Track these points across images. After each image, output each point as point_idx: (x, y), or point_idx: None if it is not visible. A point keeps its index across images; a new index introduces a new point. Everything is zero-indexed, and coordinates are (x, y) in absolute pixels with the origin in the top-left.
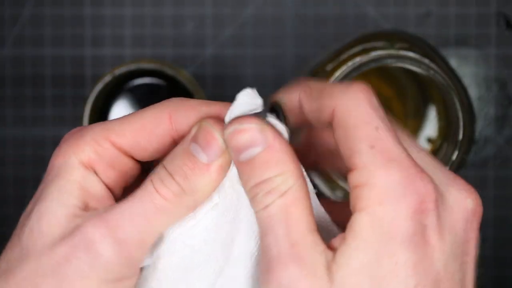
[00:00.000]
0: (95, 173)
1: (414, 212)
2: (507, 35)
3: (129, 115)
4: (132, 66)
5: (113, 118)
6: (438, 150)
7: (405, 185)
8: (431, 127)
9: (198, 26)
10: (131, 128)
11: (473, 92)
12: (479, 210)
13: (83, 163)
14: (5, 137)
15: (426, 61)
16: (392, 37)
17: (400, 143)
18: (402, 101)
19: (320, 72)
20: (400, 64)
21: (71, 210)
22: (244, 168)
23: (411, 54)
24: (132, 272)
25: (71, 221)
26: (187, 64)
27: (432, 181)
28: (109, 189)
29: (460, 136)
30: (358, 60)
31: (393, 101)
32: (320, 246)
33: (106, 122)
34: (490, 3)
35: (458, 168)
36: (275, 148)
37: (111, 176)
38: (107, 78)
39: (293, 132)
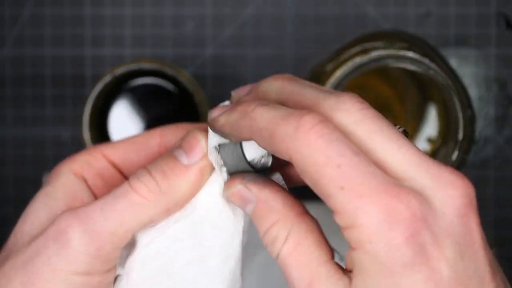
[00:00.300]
0: (84, 180)
1: (406, 239)
2: (507, 35)
3: (122, 139)
4: (132, 66)
5: (113, 118)
6: (438, 150)
7: (386, 217)
8: (431, 127)
9: (198, 26)
10: (123, 143)
11: (473, 92)
12: (471, 195)
13: (73, 171)
14: (5, 137)
15: (426, 61)
16: (392, 37)
17: (368, 168)
18: (402, 101)
19: (320, 72)
20: (400, 64)
21: (53, 211)
22: (253, 222)
23: (411, 54)
24: (104, 268)
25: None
26: (187, 64)
27: (412, 194)
28: (96, 198)
29: (460, 136)
30: (358, 60)
31: (393, 101)
32: (335, 275)
33: (103, 143)
34: (490, 3)
35: (458, 168)
36: (263, 201)
37: (99, 185)
38: (107, 78)
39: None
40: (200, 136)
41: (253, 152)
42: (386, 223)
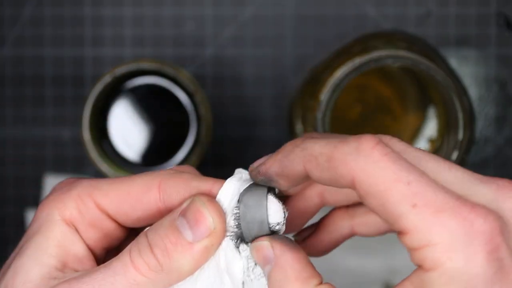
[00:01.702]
0: (77, 231)
1: (488, 253)
2: (507, 35)
3: (120, 178)
4: (132, 66)
5: (113, 118)
6: (438, 150)
7: (466, 231)
8: (431, 127)
9: (198, 26)
10: (117, 191)
11: (473, 92)
12: None
13: (65, 219)
14: (5, 137)
15: (426, 61)
16: (392, 37)
17: (435, 184)
18: (402, 101)
19: (320, 72)
20: (400, 64)
21: (46, 270)
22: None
23: (411, 54)
24: None
25: (46, 283)
26: (187, 64)
27: (485, 209)
28: (90, 249)
29: (460, 136)
30: (358, 60)
31: (393, 101)
32: None
33: (95, 180)
34: (490, 3)
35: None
36: (281, 265)
37: (93, 236)
38: (107, 78)
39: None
40: (206, 211)
41: (276, 216)
42: (464, 236)
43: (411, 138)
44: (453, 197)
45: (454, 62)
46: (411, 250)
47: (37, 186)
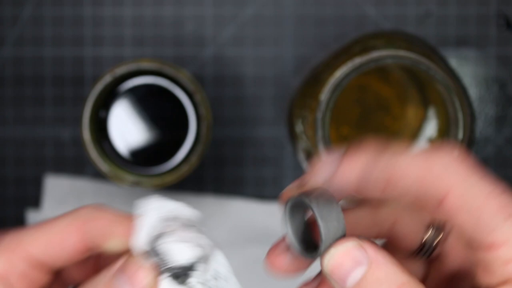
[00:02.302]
0: (10, 284)
1: None
2: (507, 35)
3: (45, 222)
4: (132, 66)
5: (113, 118)
6: None
7: None
8: (431, 127)
9: (198, 26)
10: (42, 237)
11: (473, 92)
12: None
13: None
14: (5, 137)
15: (426, 61)
16: (392, 37)
17: None
18: (402, 101)
19: (320, 72)
20: (400, 64)
21: None
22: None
23: (411, 54)
24: None
25: None
26: (187, 64)
27: None
28: None
29: (460, 136)
30: (358, 60)
31: (393, 101)
32: None
33: (22, 229)
34: (490, 3)
35: None
36: (380, 262)
37: (27, 286)
38: (107, 78)
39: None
40: (143, 273)
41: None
42: None
43: (411, 138)
44: None
45: (454, 62)
46: (502, 265)
47: (37, 186)
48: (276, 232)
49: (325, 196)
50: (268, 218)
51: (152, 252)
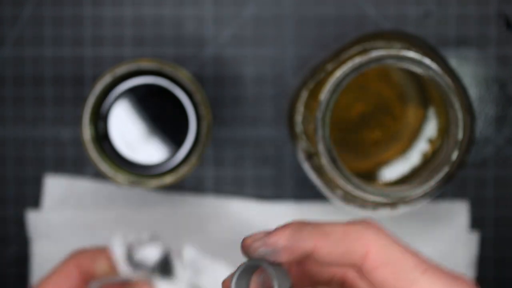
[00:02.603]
0: None
1: None
2: (507, 35)
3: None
4: (132, 66)
5: (113, 118)
6: (438, 150)
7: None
8: (431, 127)
9: (198, 26)
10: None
11: (473, 92)
12: None
13: None
14: (5, 137)
15: (426, 61)
16: (392, 37)
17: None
18: (402, 101)
19: (320, 72)
20: (400, 64)
21: None
22: None
23: (411, 54)
24: None
25: None
26: (187, 64)
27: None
28: None
29: (460, 136)
30: (358, 60)
31: (393, 102)
32: None
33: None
34: (490, 3)
35: (458, 168)
36: None
37: None
38: (107, 78)
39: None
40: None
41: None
42: None
43: (411, 138)
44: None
45: (454, 62)
46: None
47: (37, 186)
48: None
49: (274, 261)
50: (268, 218)
51: (131, 263)
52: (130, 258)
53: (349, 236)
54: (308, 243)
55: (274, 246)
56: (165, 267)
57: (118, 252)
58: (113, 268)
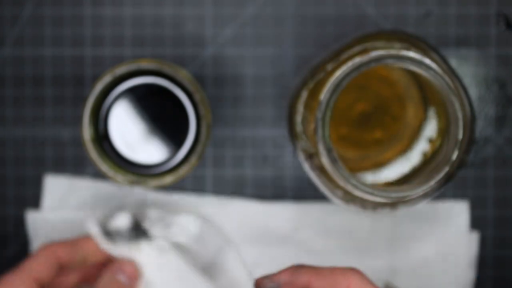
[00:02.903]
0: None
1: None
2: (507, 35)
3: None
4: (132, 66)
5: (113, 118)
6: (438, 150)
7: None
8: (431, 127)
9: (198, 26)
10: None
11: (473, 92)
12: None
13: None
14: (5, 137)
15: (427, 61)
16: (392, 37)
17: None
18: (402, 101)
19: (320, 72)
20: (400, 64)
21: None
22: None
23: (411, 54)
24: None
25: None
26: (187, 64)
27: None
28: None
29: (460, 136)
30: (358, 60)
31: (393, 101)
32: None
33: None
34: (490, 3)
35: (458, 168)
36: None
37: None
38: (107, 78)
39: None
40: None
41: None
42: None
43: (411, 138)
44: None
45: (454, 62)
46: None
47: (37, 186)
48: (276, 232)
49: None
50: (268, 218)
51: (109, 237)
52: (107, 233)
53: (336, 272)
54: (304, 278)
55: (278, 281)
56: (138, 230)
57: (95, 231)
58: (98, 250)
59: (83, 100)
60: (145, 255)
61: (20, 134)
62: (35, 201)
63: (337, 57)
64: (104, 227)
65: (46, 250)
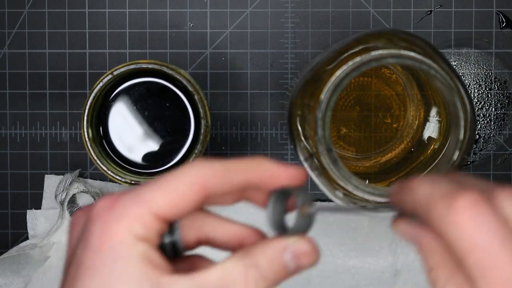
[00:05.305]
0: (150, 245)
1: None
2: (507, 35)
3: (166, 181)
4: (132, 66)
5: (113, 118)
6: (438, 150)
7: None
8: (431, 127)
9: (198, 26)
10: (167, 196)
11: (473, 92)
12: None
13: (139, 238)
14: (5, 137)
15: (427, 60)
16: (392, 37)
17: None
18: (403, 101)
19: (320, 72)
20: (401, 64)
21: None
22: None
23: (412, 53)
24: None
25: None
26: (187, 64)
27: None
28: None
29: (461, 136)
30: (358, 59)
31: (393, 101)
32: None
33: (139, 192)
34: (490, 3)
35: (458, 168)
36: (425, 242)
37: (147, 234)
38: (107, 78)
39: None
40: (311, 250)
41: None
42: None
43: (411, 138)
44: None
45: (454, 62)
46: None
47: (37, 186)
48: None
49: (306, 193)
50: None
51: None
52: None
53: (430, 217)
54: (408, 207)
55: (399, 203)
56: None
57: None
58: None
59: (83, 100)
60: None
61: (20, 134)
62: (35, 201)
63: (337, 57)
64: (61, 186)
65: (197, 177)
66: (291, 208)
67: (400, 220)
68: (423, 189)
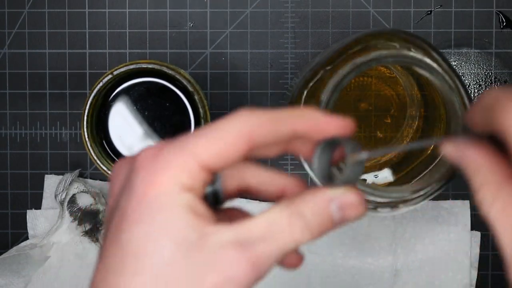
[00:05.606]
0: (195, 195)
1: None
2: (507, 35)
3: (212, 130)
4: (132, 66)
5: (113, 118)
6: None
7: None
8: (431, 126)
9: (198, 26)
10: (214, 146)
11: (473, 92)
12: None
13: (184, 188)
14: (5, 137)
15: (427, 60)
16: (392, 37)
17: None
18: (403, 100)
19: (320, 72)
20: (401, 63)
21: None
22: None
23: (412, 53)
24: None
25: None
26: (187, 64)
27: None
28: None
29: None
30: (358, 59)
31: (394, 101)
32: None
33: (185, 142)
34: (490, 3)
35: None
36: (471, 161)
37: (193, 183)
38: (107, 78)
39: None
40: (358, 203)
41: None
42: None
43: (411, 138)
44: None
45: (454, 62)
46: None
47: (37, 186)
48: None
49: (354, 143)
50: None
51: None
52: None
53: (495, 111)
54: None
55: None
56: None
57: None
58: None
59: (83, 100)
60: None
61: (20, 134)
62: (35, 201)
63: (337, 57)
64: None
65: (243, 128)
66: (337, 160)
67: (447, 143)
68: (493, 93)
